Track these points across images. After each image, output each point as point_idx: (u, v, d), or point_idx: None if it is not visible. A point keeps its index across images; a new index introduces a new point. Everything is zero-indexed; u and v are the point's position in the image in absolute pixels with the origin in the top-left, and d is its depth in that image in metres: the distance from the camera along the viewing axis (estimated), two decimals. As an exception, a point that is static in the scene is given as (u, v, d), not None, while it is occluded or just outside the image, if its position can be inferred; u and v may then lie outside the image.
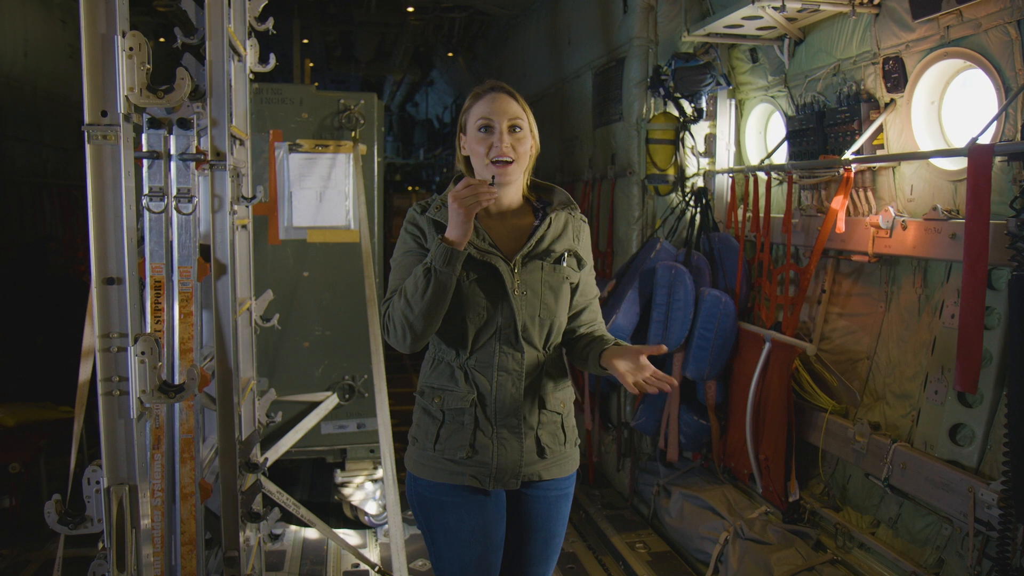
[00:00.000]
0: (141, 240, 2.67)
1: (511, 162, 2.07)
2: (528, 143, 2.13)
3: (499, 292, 2.08)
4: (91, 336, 2.58)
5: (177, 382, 2.52)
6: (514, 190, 2.18)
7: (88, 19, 1.56)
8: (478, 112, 2.09)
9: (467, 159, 2.17)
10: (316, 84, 4.91)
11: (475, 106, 2.12)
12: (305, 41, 9.16)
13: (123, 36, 1.59)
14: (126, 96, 1.60)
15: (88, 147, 1.58)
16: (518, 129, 2.09)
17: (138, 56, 1.60)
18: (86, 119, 1.58)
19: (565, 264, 2.17)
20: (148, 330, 2.71)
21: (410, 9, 8.27)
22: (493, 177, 2.05)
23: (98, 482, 1.66)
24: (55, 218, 6.54)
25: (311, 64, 9.73)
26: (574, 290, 2.22)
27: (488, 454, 2.10)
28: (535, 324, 2.12)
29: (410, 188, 15.32)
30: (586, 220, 2.30)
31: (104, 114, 1.57)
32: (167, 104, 1.63)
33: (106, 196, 1.58)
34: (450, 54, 10.19)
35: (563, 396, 2.23)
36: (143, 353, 1.65)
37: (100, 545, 1.77)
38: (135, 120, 1.64)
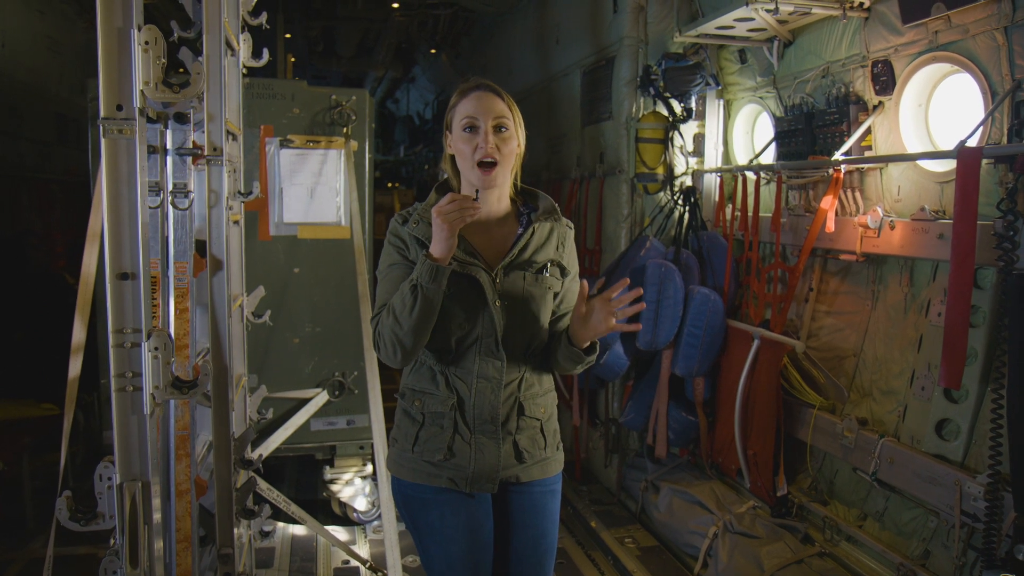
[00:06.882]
0: None
1: (495, 164, 2.04)
2: (514, 143, 2.08)
3: (479, 302, 2.06)
4: (80, 332, 2.56)
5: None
6: (499, 194, 2.14)
7: (104, 12, 1.54)
8: (463, 111, 2.06)
9: (453, 158, 2.14)
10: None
11: (460, 104, 2.08)
12: (288, 36, 9.08)
13: (139, 30, 1.58)
14: (142, 90, 1.59)
15: (104, 141, 1.56)
16: (504, 129, 2.05)
17: (154, 50, 1.59)
18: (101, 113, 1.56)
19: (548, 274, 2.15)
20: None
21: (395, 5, 8.24)
22: (477, 192, 2.03)
23: (110, 478, 1.65)
24: (33, 213, 6.41)
25: (293, 59, 9.65)
26: (556, 296, 2.20)
27: (465, 458, 2.10)
28: (516, 334, 2.10)
29: (390, 185, 15.21)
30: (572, 226, 2.27)
31: (120, 108, 1.56)
32: (183, 98, 1.62)
33: (121, 191, 1.57)
34: (433, 51, 10.15)
35: (544, 402, 2.21)
36: (156, 348, 1.64)
37: (112, 541, 1.76)
38: (149, 114, 1.63)
